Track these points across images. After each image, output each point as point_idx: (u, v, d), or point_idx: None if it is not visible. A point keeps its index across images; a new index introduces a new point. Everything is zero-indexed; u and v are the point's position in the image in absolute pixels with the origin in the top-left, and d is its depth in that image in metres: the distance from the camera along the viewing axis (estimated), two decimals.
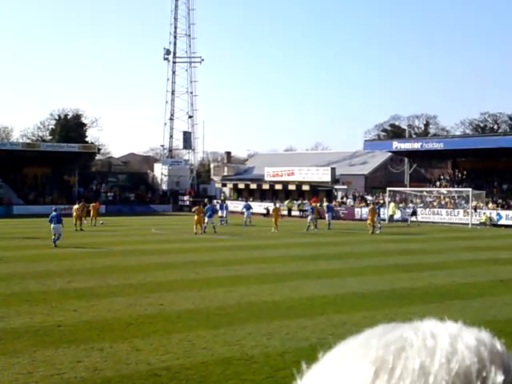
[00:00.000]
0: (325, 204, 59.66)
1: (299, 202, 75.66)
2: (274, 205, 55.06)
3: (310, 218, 51.21)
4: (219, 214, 58.11)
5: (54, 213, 37.46)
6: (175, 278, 23.22)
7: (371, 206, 53.62)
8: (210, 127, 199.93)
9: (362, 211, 68.97)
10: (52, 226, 36.31)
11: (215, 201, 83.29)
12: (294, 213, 73.45)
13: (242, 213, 58.85)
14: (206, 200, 61.40)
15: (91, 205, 56.47)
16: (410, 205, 66.09)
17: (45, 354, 12.57)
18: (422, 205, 66.10)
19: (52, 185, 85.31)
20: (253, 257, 30.77)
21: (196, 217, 46.00)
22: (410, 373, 0.88)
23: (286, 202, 74.75)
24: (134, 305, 17.89)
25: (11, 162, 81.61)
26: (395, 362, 0.90)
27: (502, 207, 62.14)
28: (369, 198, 73.78)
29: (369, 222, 49.03)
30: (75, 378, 11.18)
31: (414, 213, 61.84)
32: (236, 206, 74.95)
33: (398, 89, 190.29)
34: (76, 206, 49.96)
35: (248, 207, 57.78)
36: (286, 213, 72.58)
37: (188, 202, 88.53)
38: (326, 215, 53.83)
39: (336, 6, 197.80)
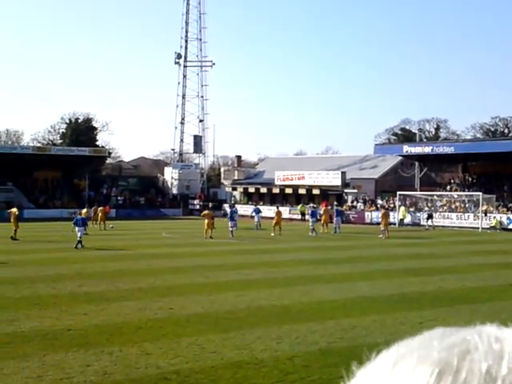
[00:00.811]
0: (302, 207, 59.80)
1: (310, 205, 75.55)
2: (277, 208, 55.20)
3: (311, 220, 51.43)
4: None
5: (78, 216, 40.01)
6: (185, 282, 23.24)
7: (383, 210, 53.38)
8: (221, 131, 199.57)
9: (372, 215, 68.94)
10: (77, 228, 37.90)
11: (225, 205, 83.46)
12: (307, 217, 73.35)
13: (252, 217, 58.89)
14: (209, 204, 61.77)
15: (99, 209, 56.71)
16: (426, 208, 65.86)
17: (54, 358, 12.60)
18: (432, 209, 65.87)
19: (62, 189, 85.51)
20: (262, 261, 30.76)
21: (206, 221, 45.88)
22: (476, 376, 0.84)
23: (299, 206, 74.65)
24: (143, 309, 17.92)
25: (22, 166, 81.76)
26: (460, 365, 0.86)
27: None
28: (379, 201, 73.64)
29: (382, 226, 48.66)
30: (85, 381, 11.20)
31: (430, 216, 61.71)
32: (246, 209, 74.94)
33: (408, 93, 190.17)
34: (84, 210, 49.90)
35: (257, 211, 58.00)
36: (299, 217, 72.51)
37: (198, 206, 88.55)
38: (335, 219, 53.91)
39: (347, 11, 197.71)
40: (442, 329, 0.98)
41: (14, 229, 42.44)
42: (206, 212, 47.94)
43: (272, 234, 48.12)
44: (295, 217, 72.71)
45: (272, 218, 52.46)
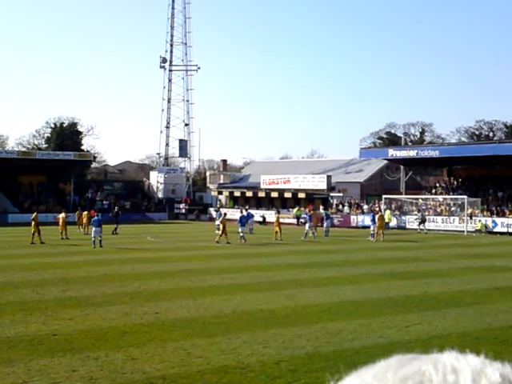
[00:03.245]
0: (323, 212, 59.65)
1: (297, 208, 75.59)
2: (278, 213, 54.93)
3: (307, 225, 51.21)
4: (216, 222, 58.18)
5: (96, 217, 42.75)
6: (171, 287, 23.18)
7: (379, 214, 53.33)
8: (206, 135, 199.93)
9: (358, 219, 69.09)
10: (94, 229, 41.06)
11: (211, 209, 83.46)
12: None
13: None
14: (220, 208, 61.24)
15: (83, 213, 56.42)
16: (417, 213, 65.77)
17: (40, 363, 12.53)
18: (426, 213, 65.77)
19: (47, 193, 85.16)
20: (249, 265, 30.73)
21: (220, 226, 44.95)
22: None
23: (295, 210, 74.44)
24: (129, 313, 17.85)
25: (6, 171, 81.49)
26: None
27: (497, 215, 62.19)
28: (365, 206, 73.72)
29: (377, 229, 48.57)
30: None
31: (424, 220, 61.77)
32: (232, 213, 74.77)
33: (393, 97, 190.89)
34: (62, 215, 49.49)
35: (250, 216, 58.05)
36: (286, 220, 72.35)
37: (184, 210, 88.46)
38: (325, 223, 54.13)
39: (332, 14, 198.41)
40: (398, 357, 0.95)
41: (34, 232, 43.61)
42: (222, 217, 46.91)
43: (277, 237, 47.76)
44: (282, 221, 72.35)
45: (261, 223, 52.29)
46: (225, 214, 48.29)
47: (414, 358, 0.94)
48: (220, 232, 44.67)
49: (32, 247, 40.43)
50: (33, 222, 44.12)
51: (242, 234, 46.07)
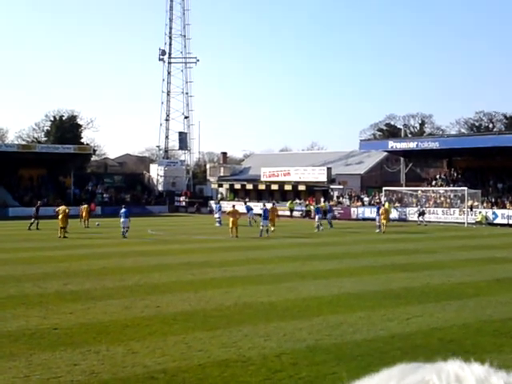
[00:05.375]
0: (323, 204, 59.85)
1: (296, 201, 75.64)
2: (273, 204, 54.80)
3: (317, 217, 51.15)
4: (216, 215, 58.17)
5: (123, 209, 44.40)
6: (171, 280, 23.19)
7: (383, 207, 53.32)
8: (206, 128, 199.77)
9: (358, 211, 69.12)
10: (121, 220, 42.92)
11: (211, 201, 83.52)
12: (295, 213, 73.68)
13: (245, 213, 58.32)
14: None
15: (83, 206, 56.25)
16: (418, 207, 65.68)
17: (41, 358, 12.52)
18: (426, 206, 65.71)
19: (47, 186, 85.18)
20: (249, 257, 30.74)
21: (231, 219, 44.35)
22: None
23: (289, 203, 74.59)
24: (130, 307, 17.85)
25: (6, 164, 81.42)
26: None
27: (498, 206, 62.18)
28: (366, 198, 73.67)
29: (383, 221, 48.79)
30: (72, 381, 11.13)
31: (423, 213, 61.75)
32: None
33: (393, 88, 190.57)
34: (63, 208, 49.25)
35: (249, 208, 58.34)
36: (287, 213, 72.41)
37: (184, 203, 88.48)
38: (328, 215, 54.54)
39: (331, 6, 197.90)
40: (401, 366, 0.94)
41: (62, 226, 43.38)
42: (231, 210, 46.42)
43: (272, 229, 47.44)
44: (281, 213, 72.41)
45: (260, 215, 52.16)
46: (233, 206, 48.12)
47: (417, 367, 0.92)
48: (231, 225, 44.31)
49: (32, 241, 40.36)
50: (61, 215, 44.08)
51: (264, 228, 45.24)
